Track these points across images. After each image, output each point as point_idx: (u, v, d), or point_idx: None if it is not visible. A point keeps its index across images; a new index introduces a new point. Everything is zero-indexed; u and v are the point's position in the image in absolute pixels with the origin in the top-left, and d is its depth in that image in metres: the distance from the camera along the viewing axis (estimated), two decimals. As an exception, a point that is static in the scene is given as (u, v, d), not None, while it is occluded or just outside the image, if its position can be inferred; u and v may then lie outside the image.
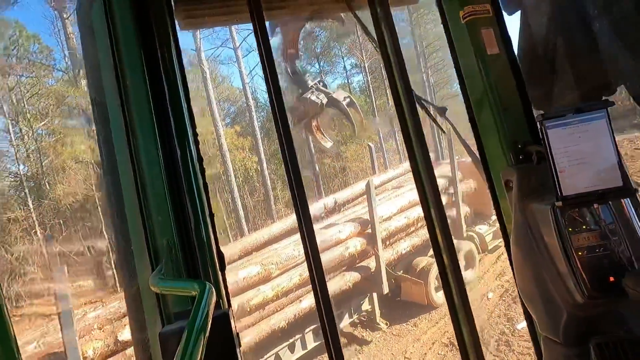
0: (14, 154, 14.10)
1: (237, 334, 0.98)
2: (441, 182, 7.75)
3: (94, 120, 1.17)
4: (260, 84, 22.00)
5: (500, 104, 1.41)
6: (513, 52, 1.46)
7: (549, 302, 1.17)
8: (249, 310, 5.22)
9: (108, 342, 3.87)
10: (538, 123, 1.12)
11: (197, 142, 1.22)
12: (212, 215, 1.16)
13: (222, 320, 0.87)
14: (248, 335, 5.18)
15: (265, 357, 5.48)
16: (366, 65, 20.96)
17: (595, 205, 1.10)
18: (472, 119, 1.52)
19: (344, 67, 24.04)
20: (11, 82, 13.77)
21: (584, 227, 1.10)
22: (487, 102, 1.44)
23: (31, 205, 13.36)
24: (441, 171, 8.45)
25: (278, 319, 5.57)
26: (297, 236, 5.69)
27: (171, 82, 1.17)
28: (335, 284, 6.34)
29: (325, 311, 1.35)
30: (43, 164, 13.99)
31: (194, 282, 0.81)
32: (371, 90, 20.72)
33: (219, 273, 1.11)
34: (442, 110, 1.74)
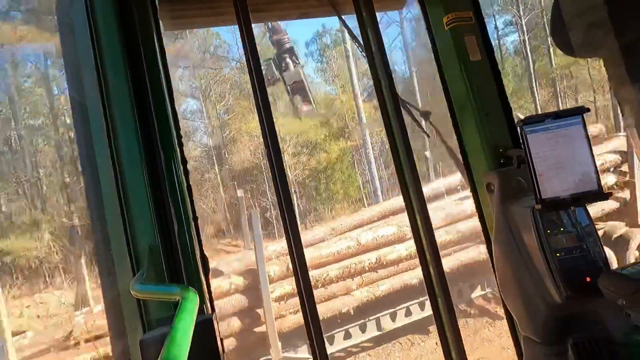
0: (204, 129, 19.39)
1: (221, 339, 0.96)
2: (612, 158, 6.86)
3: (72, 120, 1.14)
4: (397, 57, 20.94)
5: (482, 109, 1.44)
6: (495, 59, 1.50)
7: (529, 302, 1.20)
8: (385, 264, 6.00)
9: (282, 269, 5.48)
10: (518, 128, 1.15)
11: (181, 144, 1.20)
12: (195, 219, 1.14)
13: (206, 325, 0.86)
14: (384, 284, 6.03)
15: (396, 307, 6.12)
16: (523, 23, 18.02)
17: (572, 208, 1.14)
18: (455, 124, 1.55)
19: (495, 25, 20.54)
20: (201, 73, 18.40)
21: (562, 229, 1.13)
22: (470, 107, 1.47)
23: (216, 169, 17.74)
24: (614, 145, 7.38)
25: (411, 276, 6.14)
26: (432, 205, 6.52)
27: (155, 82, 1.15)
28: (468, 254, 6.47)
29: (314, 327, 1.35)
30: (223, 136, 18.18)
31: (177, 287, 0.80)
32: (528, 51, 17.92)
33: (203, 277, 1.09)
34: (427, 114, 1.76)
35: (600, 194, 1.10)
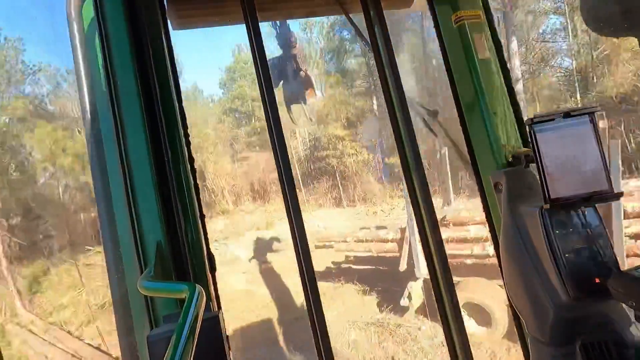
0: (566, 50, 16.74)
1: (227, 337, 0.97)
2: None
3: (82, 120, 1.16)
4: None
5: (490, 108, 1.43)
6: (503, 57, 1.48)
7: (537, 302, 1.18)
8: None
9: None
10: (527, 127, 1.13)
11: (188, 143, 1.21)
12: (202, 217, 1.15)
13: (212, 323, 0.87)
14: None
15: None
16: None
17: (582, 208, 1.12)
18: (462, 122, 1.54)
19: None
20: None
21: (571, 229, 1.12)
22: (478, 105, 1.45)
23: (578, 97, 14.94)
24: None
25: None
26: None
27: (163, 81, 1.16)
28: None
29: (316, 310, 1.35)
30: (593, 56, 15.02)
31: (183, 285, 0.80)
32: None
33: (209, 275, 1.10)
34: (434, 113, 1.75)
35: (611, 194, 1.08)
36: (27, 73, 18.78)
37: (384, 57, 1.56)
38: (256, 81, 1.45)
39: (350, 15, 1.74)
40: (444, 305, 1.45)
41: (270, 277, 10.32)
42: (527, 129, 1.13)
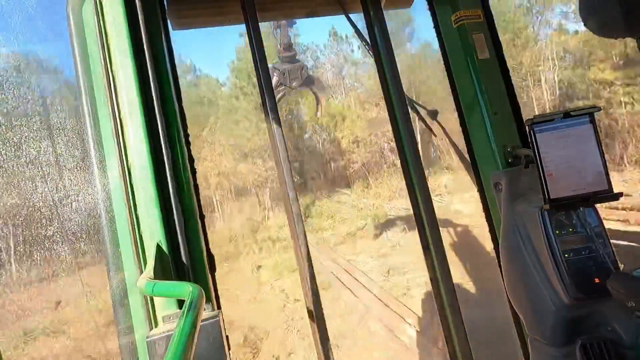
0: None
1: (227, 336, 0.97)
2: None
3: (81, 120, 1.15)
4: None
5: (490, 108, 1.43)
6: (503, 56, 1.48)
7: (536, 303, 1.18)
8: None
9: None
10: (527, 127, 1.13)
11: (188, 143, 1.21)
12: (202, 217, 1.15)
13: (212, 323, 0.87)
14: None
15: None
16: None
17: (582, 209, 1.12)
18: (462, 122, 1.54)
19: None
20: None
21: (571, 229, 1.12)
22: (478, 106, 1.45)
23: None
24: None
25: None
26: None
27: (162, 81, 1.16)
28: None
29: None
30: None
31: (183, 285, 0.80)
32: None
33: (209, 275, 1.10)
34: (434, 114, 1.75)
35: (611, 194, 1.08)
36: (28, 72, 18.91)
37: (383, 56, 1.56)
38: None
39: (350, 15, 1.74)
40: (443, 305, 1.45)
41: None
42: (527, 130, 1.13)
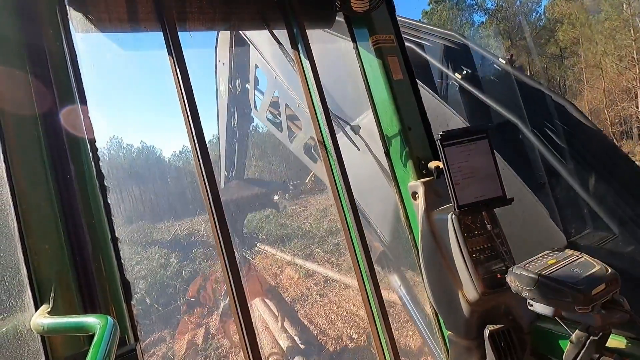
0: None
1: None
2: None
3: None
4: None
5: (405, 124, 1.56)
6: (415, 78, 1.64)
7: (452, 301, 1.30)
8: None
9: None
10: (437, 142, 1.27)
11: (96, 157, 1.08)
12: (115, 239, 1.02)
13: (128, 357, 0.77)
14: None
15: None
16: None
17: (483, 213, 1.28)
18: (382, 138, 1.65)
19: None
20: None
21: (476, 232, 1.27)
22: (395, 122, 1.58)
23: None
24: None
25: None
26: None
27: (62, 85, 1.02)
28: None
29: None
30: None
31: (91, 318, 0.70)
32: None
33: (124, 304, 0.97)
34: (356, 129, 1.85)
35: (504, 199, 1.26)
36: None
37: (307, 72, 1.61)
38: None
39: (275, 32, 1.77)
40: (367, 292, 1.51)
41: None
42: (437, 144, 1.26)
